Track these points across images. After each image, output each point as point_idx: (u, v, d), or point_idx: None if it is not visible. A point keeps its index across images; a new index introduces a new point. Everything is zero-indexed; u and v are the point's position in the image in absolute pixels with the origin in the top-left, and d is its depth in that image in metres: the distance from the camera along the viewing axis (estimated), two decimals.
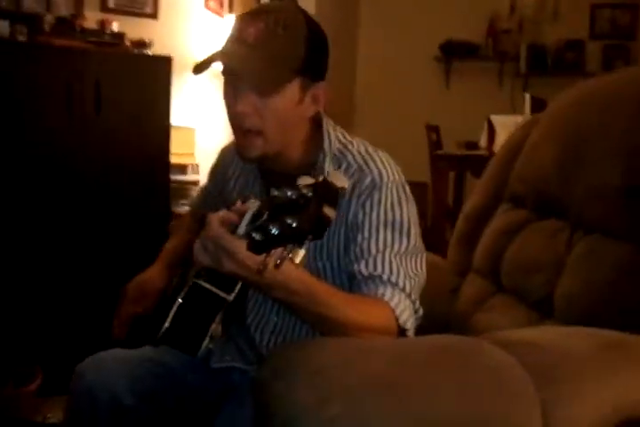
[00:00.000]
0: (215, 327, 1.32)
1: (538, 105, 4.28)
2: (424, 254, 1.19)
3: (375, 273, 1.11)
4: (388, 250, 1.13)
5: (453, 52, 5.41)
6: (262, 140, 1.18)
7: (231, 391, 1.31)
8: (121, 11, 3.17)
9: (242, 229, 0.89)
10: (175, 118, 3.00)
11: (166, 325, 1.33)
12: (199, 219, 1.56)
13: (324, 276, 1.20)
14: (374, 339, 1.03)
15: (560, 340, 1.00)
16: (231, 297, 1.23)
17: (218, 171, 1.50)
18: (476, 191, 1.88)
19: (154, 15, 3.27)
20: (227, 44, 1.18)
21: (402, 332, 1.10)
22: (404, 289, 1.11)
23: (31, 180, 2.70)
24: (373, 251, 1.13)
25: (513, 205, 1.66)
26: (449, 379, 0.88)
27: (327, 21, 1.21)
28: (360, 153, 1.22)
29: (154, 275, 1.46)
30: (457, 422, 0.84)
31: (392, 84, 5.31)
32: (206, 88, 3.50)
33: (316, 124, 1.27)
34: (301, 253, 0.84)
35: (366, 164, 1.20)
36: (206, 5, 3.44)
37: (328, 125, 1.27)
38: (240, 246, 0.88)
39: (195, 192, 3.31)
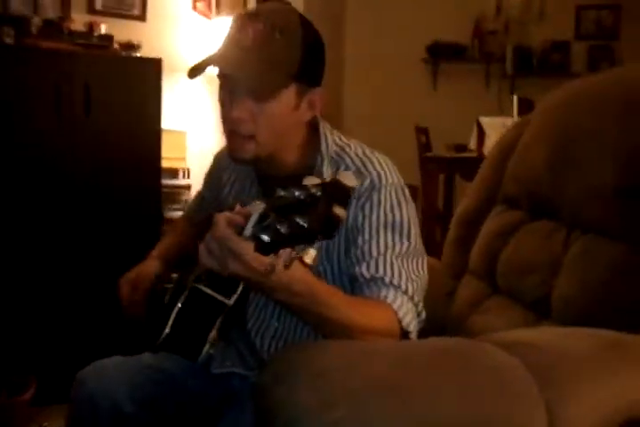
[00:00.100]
0: (214, 333, 1.31)
1: (525, 106, 4.30)
2: (425, 256, 1.19)
3: (377, 275, 1.11)
4: (390, 252, 1.13)
5: (440, 54, 5.43)
6: (254, 144, 1.18)
7: (232, 397, 1.31)
8: (108, 13, 3.15)
9: (248, 231, 0.88)
10: (165, 121, 2.99)
11: (166, 331, 1.32)
12: (196, 223, 1.55)
13: (324, 279, 1.20)
14: (377, 341, 1.03)
15: (560, 340, 1.01)
16: (231, 301, 1.23)
17: (213, 176, 1.50)
18: (468, 193, 1.88)
19: (141, 17, 3.26)
20: (222, 47, 1.17)
21: (404, 334, 1.10)
22: (406, 291, 1.11)
23: (20, 183, 2.67)
24: (374, 253, 1.13)
25: (507, 207, 1.66)
26: (452, 381, 0.88)
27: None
28: (358, 155, 1.22)
29: (148, 265, 1.46)
30: (460, 424, 0.85)
31: (380, 86, 5.31)
32: (196, 91, 3.49)
33: (313, 128, 1.27)
34: (312, 252, 0.84)
35: (364, 166, 1.20)
36: (194, 7, 3.43)
37: (325, 129, 1.27)
38: (247, 248, 0.87)
39: (186, 196, 3.29)
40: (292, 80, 1.15)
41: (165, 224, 3.04)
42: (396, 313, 1.09)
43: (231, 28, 1.18)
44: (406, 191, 1.20)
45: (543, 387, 0.87)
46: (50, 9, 2.94)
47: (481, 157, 3.71)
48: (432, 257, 1.83)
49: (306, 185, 0.83)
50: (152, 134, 2.91)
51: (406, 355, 0.95)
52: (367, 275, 1.12)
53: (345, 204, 0.81)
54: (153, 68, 2.86)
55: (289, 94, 1.16)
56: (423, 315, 1.14)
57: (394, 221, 1.15)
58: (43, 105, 2.68)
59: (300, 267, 0.92)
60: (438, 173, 4.19)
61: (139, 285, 1.38)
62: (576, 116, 1.44)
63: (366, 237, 1.14)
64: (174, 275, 1.46)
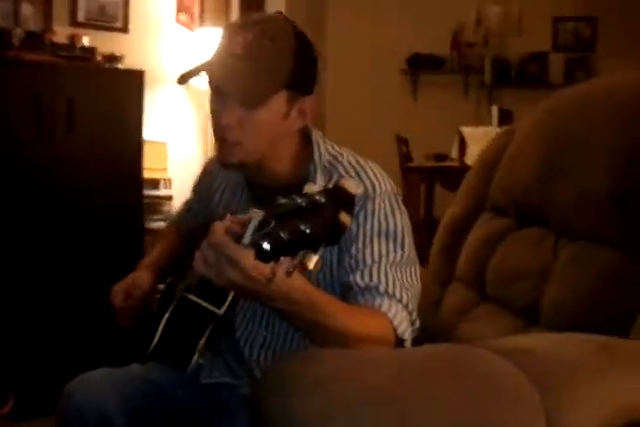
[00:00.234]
0: (202, 342, 1.30)
1: (505, 116, 4.36)
2: (418, 265, 1.19)
3: (372, 284, 1.11)
4: (384, 261, 1.13)
5: (420, 65, 5.48)
6: (241, 150, 1.18)
7: (222, 407, 1.30)
8: (91, 25, 3.14)
9: (247, 239, 0.88)
10: (147, 132, 2.98)
11: (155, 340, 1.31)
12: (184, 233, 1.54)
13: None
14: (372, 350, 1.03)
15: (555, 346, 1.01)
16: (222, 311, 1.22)
17: (201, 185, 1.49)
18: (455, 201, 1.89)
19: (124, 29, 3.25)
20: (213, 54, 1.18)
21: (399, 342, 1.10)
22: (400, 300, 1.11)
23: (1, 196, 2.64)
24: (369, 262, 1.13)
25: (494, 215, 1.67)
26: (449, 389, 0.87)
27: None
28: (351, 164, 1.23)
29: (141, 274, 1.42)
30: None
31: (360, 97, 5.34)
32: (178, 102, 3.49)
33: (305, 136, 1.27)
34: (315, 258, 0.83)
35: (358, 175, 1.20)
36: (177, 19, 3.43)
37: (317, 137, 1.27)
38: (246, 255, 0.86)
39: (168, 207, 3.28)
40: (283, 87, 1.15)
41: (147, 235, 3.03)
42: (391, 321, 1.09)
43: (222, 36, 1.18)
44: (400, 200, 1.20)
45: (542, 393, 0.87)
46: (32, 21, 2.92)
47: (463, 167, 3.75)
48: None
49: (307, 193, 0.83)
50: (134, 145, 2.91)
51: (403, 364, 0.94)
52: (362, 284, 1.12)
53: (350, 210, 0.81)
54: (135, 80, 2.86)
55: (279, 102, 1.16)
56: (417, 323, 1.15)
57: (388, 230, 1.15)
58: (24, 117, 2.67)
59: (298, 275, 0.92)
60: (420, 183, 4.22)
61: (132, 293, 1.37)
62: (564, 126, 1.46)
63: (360, 245, 1.14)
64: (161, 285, 1.45)
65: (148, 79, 2.90)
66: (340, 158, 1.24)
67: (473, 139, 3.66)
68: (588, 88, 1.57)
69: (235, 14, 3.68)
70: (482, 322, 1.52)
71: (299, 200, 0.83)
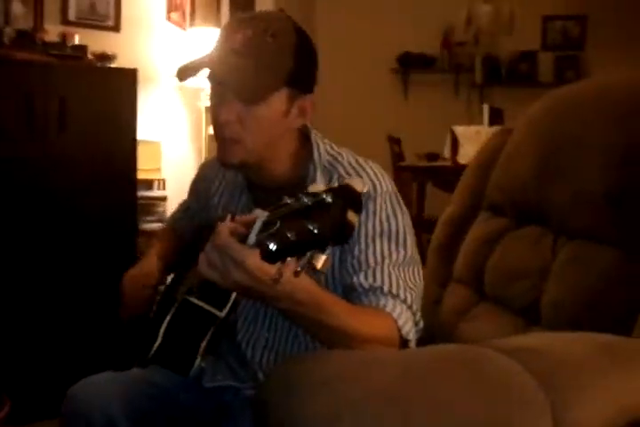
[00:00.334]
0: (204, 345, 1.30)
1: (495, 115, 4.38)
2: (420, 264, 1.19)
3: (375, 285, 1.11)
4: (387, 261, 1.13)
5: (410, 65, 5.49)
6: (241, 149, 1.17)
7: (225, 410, 1.29)
8: (82, 23, 3.12)
9: (252, 239, 0.87)
10: (140, 132, 2.96)
11: (156, 344, 1.30)
12: (180, 235, 1.53)
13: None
14: (378, 350, 1.02)
15: (560, 346, 1.01)
16: (223, 313, 1.21)
17: (199, 186, 1.48)
18: (452, 201, 1.89)
19: (116, 28, 3.23)
20: (213, 50, 1.17)
21: (404, 343, 1.10)
22: (405, 301, 1.11)
23: None
24: (372, 262, 1.13)
25: (492, 214, 1.68)
26: (456, 390, 0.87)
27: None
28: (351, 164, 1.22)
29: (151, 262, 1.43)
30: None
31: (351, 97, 5.34)
32: (170, 101, 3.47)
33: (304, 136, 1.27)
34: (323, 258, 0.82)
35: (358, 175, 1.20)
36: (168, 18, 3.42)
37: (316, 137, 1.26)
38: (251, 256, 0.86)
39: (162, 208, 3.26)
40: (283, 84, 1.15)
41: (141, 236, 3.01)
42: (395, 322, 1.09)
43: (222, 32, 1.18)
44: (400, 200, 1.20)
45: (548, 392, 0.87)
46: (22, 19, 2.90)
47: (455, 166, 3.76)
48: None
49: (312, 192, 0.82)
50: (127, 145, 2.89)
51: (408, 364, 0.94)
52: (365, 284, 1.12)
53: (358, 209, 0.80)
54: (128, 79, 2.83)
55: (279, 99, 1.16)
56: (421, 324, 1.15)
57: (389, 230, 1.15)
58: (16, 117, 2.64)
59: (303, 275, 0.91)
60: (411, 182, 4.23)
61: (144, 282, 1.37)
62: (561, 125, 1.46)
63: (362, 246, 1.14)
64: (160, 287, 1.44)
65: (139, 78, 2.88)
66: (339, 158, 1.24)
67: (465, 138, 3.67)
68: (581, 88, 1.58)
69: (225, 13, 3.67)
70: (482, 321, 1.52)
71: (304, 200, 0.82)
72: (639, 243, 1.23)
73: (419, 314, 1.14)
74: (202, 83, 3.23)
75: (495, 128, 3.73)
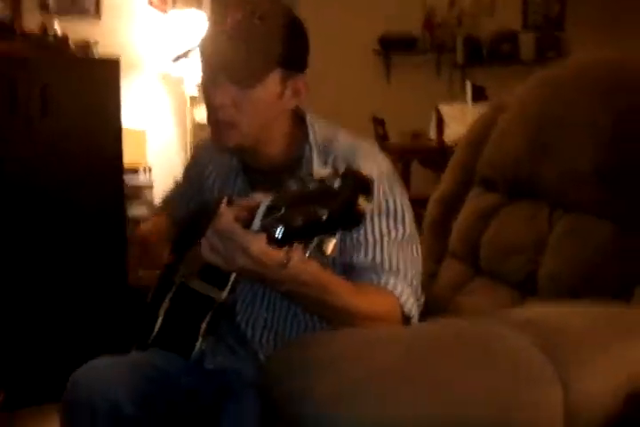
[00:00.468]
0: (204, 327, 1.30)
1: (478, 92, 4.39)
2: (419, 241, 1.20)
3: (376, 263, 1.11)
4: (386, 239, 1.13)
5: (392, 46, 5.47)
6: (237, 133, 1.17)
7: (228, 391, 1.29)
8: (62, 11, 3.07)
9: (256, 224, 0.87)
10: (124, 121, 2.94)
11: (157, 327, 1.30)
12: (176, 222, 1.52)
13: None
14: (382, 328, 1.03)
15: (564, 318, 1.02)
16: (223, 295, 1.22)
17: (193, 170, 1.47)
18: (444, 178, 1.89)
19: (96, 14, 3.19)
20: (205, 34, 1.17)
21: (406, 320, 1.11)
22: (405, 277, 1.11)
23: None
24: (371, 240, 1.13)
25: (484, 190, 1.68)
26: (464, 367, 0.88)
27: None
28: (347, 144, 1.22)
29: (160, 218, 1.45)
30: (482, 408, 0.85)
31: (333, 79, 5.31)
32: (154, 88, 3.44)
33: (298, 117, 1.26)
34: (332, 243, 0.82)
35: (355, 154, 1.19)
36: (150, 2, 3.37)
37: (312, 118, 1.26)
38: (256, 240, 0.86)
39: (148, 196, 3.25)
40: (276, 66, 1.15)
41: (129, 224, 3.00)
42: (397, 299, 1.09)
43: (211, 16, 1.18)
44: (397, 177, 1.20)
45: (555, 365, 0.88)
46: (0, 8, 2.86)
47: (441, 145, 3.77)
48: None
49: (319, 177, 0.82)
50: (113, 134, 2.87)
51: (413, 342, 0.94)
52: (365, 263, 1.12)
53: (368, 194, 0.79)
54: (111, 69, 2.81)
55: (273, 81, 1.15)
56: (422, 299, 1.16)
57: (388, 208, 1.15)
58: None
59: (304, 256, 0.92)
60: (397, 162, 4.23)
61: (158, 235, 1.39)
62: (554, 101, 1.48)
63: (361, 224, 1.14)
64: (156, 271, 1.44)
65: (122, 66, 2.86)
66: (334, 138, 1.23)
67: (450, 117, 3.67)
68: (576, 66, 1.59)
69: None
70: (478, 295, 1.53)
71: (310, 185, 0.81)
72: (632, 218, 1.24)
73: (420, 290, 1.15)
74: (185, 70, 3.21)
75: (479, 106, 3.75)
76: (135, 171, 3.24)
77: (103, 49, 2.96)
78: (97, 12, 3.19)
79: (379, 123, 4.57)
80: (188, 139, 3.38)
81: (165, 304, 1.31)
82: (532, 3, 5.49)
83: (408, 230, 1.17)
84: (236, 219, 0.89)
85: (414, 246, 1.17)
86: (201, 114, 3.40)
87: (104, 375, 1.19)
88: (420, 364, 0.88)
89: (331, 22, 5.33)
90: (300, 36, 1.19)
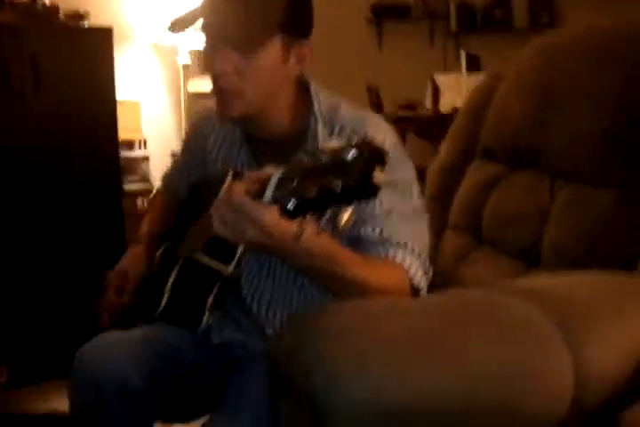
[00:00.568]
0: (210, 301, 1.30)
1: (472, 61, 4.35)
2: (426, 213, 1.20)
3: (384, 236, 1.11)
4: (394, 212, 1.12)
5: (384, 14, 5.41)
6: (241, 101, 1.15)
7: (234, 365, 1.29)
8: None
9: (268, 196, 0.86)
10: (118, 92, 2.90)
11: (164, 301, 1.30)
12: (180, 195, 1.51)
13: None
14: (392, 300, 1.03)
15: (571, 286, 1.03)
16: (229, 269, 1.21)
17: (193, 143, 1.45)
18: (443, 148, 1.89)
19: None
20: (203, 1, 1.15)
21: (415, 292, 1.11)
22: (413, 250, 1.11)
23: None
24: (379, 214, 1.12)
25: (486, 160, 1.68)
26: (477, 335, 0.89)
27: None
28: (352, 114, 1.21)
29: (135, 259, 1.42)
30: (491, 377, 0.86)
31: (326, 48, 5.22)
32: (147, 59, 3.40)
33: (302, 86, 1.24)
34: (347, 214, 0.81)
35: (361, 125, 1.18)
36: None
37: (316, 88, 1.25)
38: (269, 212, 0.85)
39: (144, 168, 3.23)
40: (278, 31, 1.12)
41: (124, 197, 2.99)
42: (406, 272, 1.10)
43: None
44: (403, 149, 1.19)
45: (565, 332, 0.89)
46: None
47: (437, 115, 3.75)
48: None
49: (331, 148, 0.80)
50: (107, 106, 2.84)
51: (422, 313, 0.95)
52: (373, 236, 1.11)
53: (383, 165, 0.78)
54: (103, 39, 2.77)
55: (275, 46, 1.13)
56: (431, 272, 1.16)
57: (395, 181, 1.14)
58: None
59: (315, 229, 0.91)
60: None
61: (125, 287, 1.38)
62: (555, 66, 1.47)
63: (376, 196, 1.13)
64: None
65: (114, 37, 2.81)
66: (339, 109, 1.22)
67: (446, 86, 3.64)
68: (574, 32, 1.59)
69: None
70: (481, 266, 1.54)
71: (322, 156, 0.80)
72: (637, 183, 1.24)
73: (428, 262, 1.15)
74: (178, 39, 3.17)
75: (474, 75, 3.72)
76: (130, 143, 3.21)
77: (94, 20, 2.90)
78: None
79: (373, 92, 4.53)
80: (183, 109, 3.34)
81: (171, 279, 1.31)
82: None
83: (415, 203, 1.16)
84: (247, 191, 0.88)
85: (422, 218, 1.17)
86: (195, 84, 3.36)
87: (111, 351, 1.19)
88: (428, 335, 0.89)
89: None
90: (303, 0, 1.17)
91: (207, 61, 1.17)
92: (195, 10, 1.15)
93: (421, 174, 1.87)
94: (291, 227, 0.86)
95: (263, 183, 0.87)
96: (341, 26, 5.32)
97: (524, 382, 0.87)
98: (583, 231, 1.29)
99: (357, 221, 1.13)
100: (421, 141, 4.16)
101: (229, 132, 1.32)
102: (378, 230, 1.12)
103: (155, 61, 3.41)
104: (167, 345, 1.27)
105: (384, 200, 1.13)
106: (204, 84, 3.26)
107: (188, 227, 1.35)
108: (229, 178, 1.19)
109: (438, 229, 1.77)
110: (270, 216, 0.86)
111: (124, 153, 3.11)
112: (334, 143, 0.82)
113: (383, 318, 0.91)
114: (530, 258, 1.40)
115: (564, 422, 0.88)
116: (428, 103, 3.88)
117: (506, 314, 0.92)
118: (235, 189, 0.89)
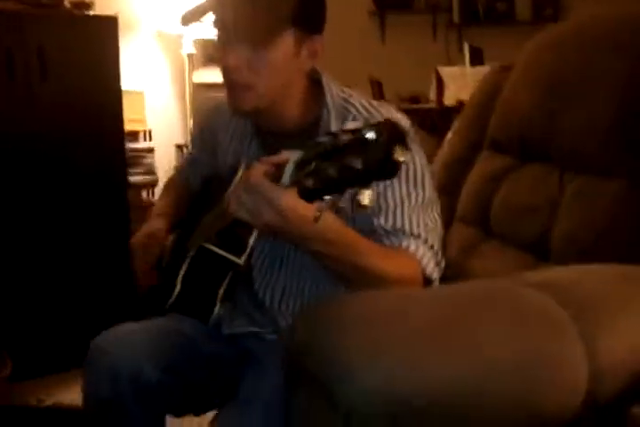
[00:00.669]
0: (222, 292, 1.30)
1: (475, 54, 4.34)
2: (439, 204, 1.20)
3: (397, 227, 1.11)
4: (406, 202, 1.13)
5: (387, 6, 5.39)
6: (253, 95, 1.15)
7: (248, 356, 1.30)
8: None
9: (286, 179, 0.86)
10: (122, 82, 2.89)
11: (175, 292, 1.30)
12: (193, 187, 1.50)
13: None
14: (406, 290, 1.03)
15: (584, 278, 1.03)
16: (241, 260, 1.21)
17: (204, 136, 1.45)
18: (450, 141, 1.89)
19: None
20: None
21: (427, 283, 1.11)
22: (426, 241, 1.12)
23: None
24: (391, 204, 1.13)
25: (494, 152, 1.68)
26: (499, 323, 0.89)
27: None
28: (363, 105, 1.21)
29: (156, 225, 1.40)
30: (512, 360, 0.86)
31: (329, 41, 5.23)
32: (151, 49, 3.38)
33: (314, 79, 1.25)
34: (368, 193, 0.80)
35: (373, 117, 1.18)
36: None
37: (328, 80, 1.25)
38: (287, 195, 0.86)
39: (150, 160, 3.22)
40: (289, 25, 1.12)
41: (129, 189, 2.98)
42: (419, 262, 1.10)
43: None
44: (416, 139, 1.19)
45: (579, 323, 0.89)
46: None
47: (441, 108, 3.75)
48: None
49: (350, 129, 0.80)
50: (112, 96, 2.82)
51: (444, 302, 0.94)
52: (386, 226, 1.12)
53: (405, 145, 0.78)
54: (109, 27, 2.75)
55: (286, 40, 1.13)
56: (443, 263, 1.16)
57: (407, 171, 1.14)
58: None
59: (333, 215, 0.91)
60: None
61: (150, 248, 1.35)
62: (564, 56, 1.47)
63: (381, 188, 1.13)
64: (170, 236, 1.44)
65: (119, 26, 2.80)
66: (351, 100, 1.22)
67: (450, 79, 3.64)
68: (582, 21, 1.58)
69: None
70: (490, 258, 1.54)
71: (341, 137, 0.79)
72: None
73: (440, 253, 1.15)
74: (183, 29, 3.15)
75: (477, 68, 3.72)
76: (135, 135, 3.20)
77: (99, 8, 2.89)
78: None
79: (375, 85, 4.53)
80: (187, 100, 3.33)
81: (182, 270, 1.31)
82: None
83: (428, 193, 1.16)
84: (265, 174, 0.88)
85: (434, 209, 1.17)
86: (200, 74, 3.35)
87: (126, 341, 1.19)
88: (441, 323, 0.89)
89: None
90: None
91: (219, 54, 1.17)
92: (205, 3, 1.15)
93: None
94: (309, 210, 0.86)
95: (281, 167, 0.87)
96: (344, 18, 5.29)
97: (540, 370, 0.86)
98: (593, 222, 1.29)
99: (370, 213, 1.14)
100: (425, 134, 4.16)
101: (240, 126, 1.32)
102: (391, 222, 1.12)
103: (159, 51, 3.40)
104: (183, 336, 1.27)
105: (397, 191, 1.13)
106: (209, 75, 3.25)
107: (199, 218, 1.36)
108: (241, 171, 1.19)
109: (446, 221, 1.74)
110: (288, 199, 0.86)
111: (129, 144, 3.08)
112: (353, 124, 0.81)
113: (396, 307, 0.91)
114: (539, 251, 1.40)
115: (577, 414, 0.88)
116: (432, 96, 3.88)
117: (520, 303, 0.93)
118: (253, 172, 0.89)
